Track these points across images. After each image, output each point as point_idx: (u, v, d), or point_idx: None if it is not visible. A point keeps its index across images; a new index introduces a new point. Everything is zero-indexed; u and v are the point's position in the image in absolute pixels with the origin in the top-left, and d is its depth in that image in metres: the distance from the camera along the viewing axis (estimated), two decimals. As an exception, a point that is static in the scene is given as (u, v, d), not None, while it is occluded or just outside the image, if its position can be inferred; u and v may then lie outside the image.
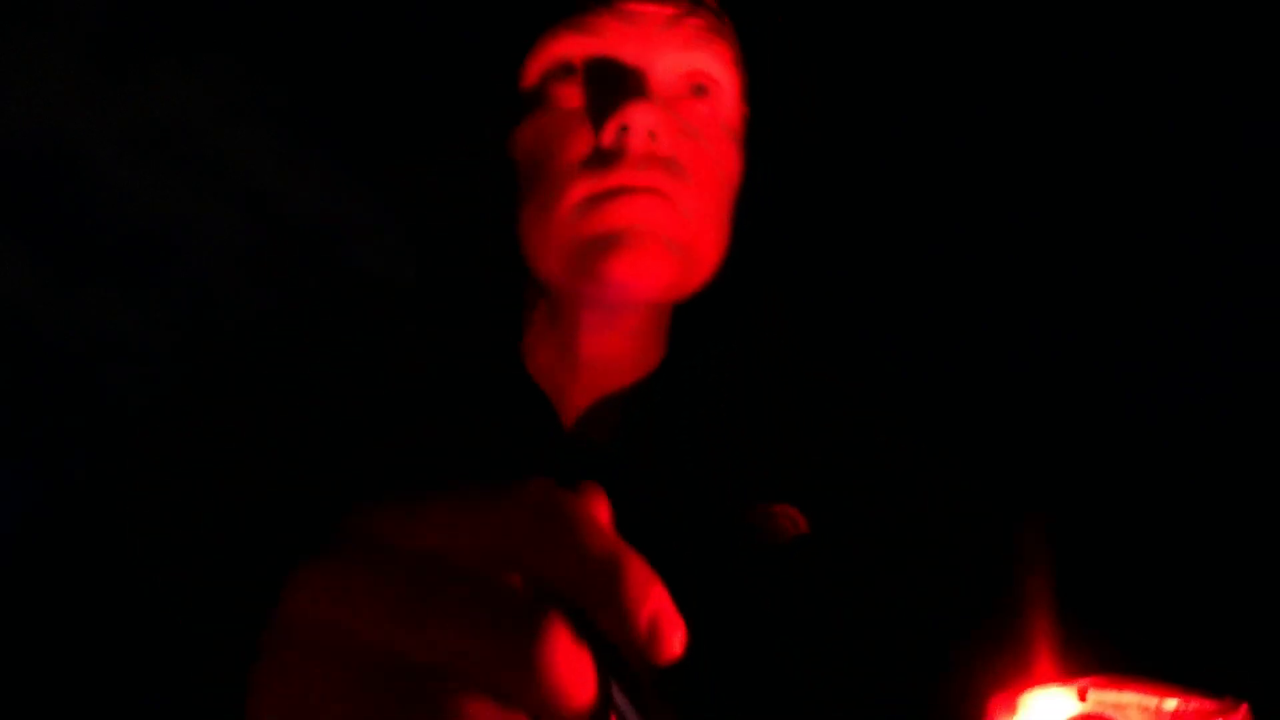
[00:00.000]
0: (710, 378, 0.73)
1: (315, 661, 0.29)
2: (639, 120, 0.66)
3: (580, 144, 0.68)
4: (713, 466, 0.71)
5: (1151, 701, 0.45)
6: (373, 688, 0.28)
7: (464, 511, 0.30)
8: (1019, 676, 0.47)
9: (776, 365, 0.77)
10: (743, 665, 0.62)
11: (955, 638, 0.61)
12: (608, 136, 0.67)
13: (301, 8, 1.02)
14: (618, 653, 0.30)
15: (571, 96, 0.69)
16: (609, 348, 0.72)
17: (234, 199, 1.02)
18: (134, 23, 0.99)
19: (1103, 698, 0.46)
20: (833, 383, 0.78)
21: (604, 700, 0.29)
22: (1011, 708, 0.46)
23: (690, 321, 0.76)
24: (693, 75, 0.71)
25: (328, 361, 0.73)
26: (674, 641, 0.30)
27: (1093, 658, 0.46)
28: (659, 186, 0.68)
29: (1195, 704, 0.45)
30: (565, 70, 0.70)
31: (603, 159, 0.68)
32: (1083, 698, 0.46)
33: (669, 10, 0.69)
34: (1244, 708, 0.44)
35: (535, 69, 0.71)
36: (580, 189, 0.68)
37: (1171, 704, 0.45)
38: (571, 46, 0.70)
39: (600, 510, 0.32)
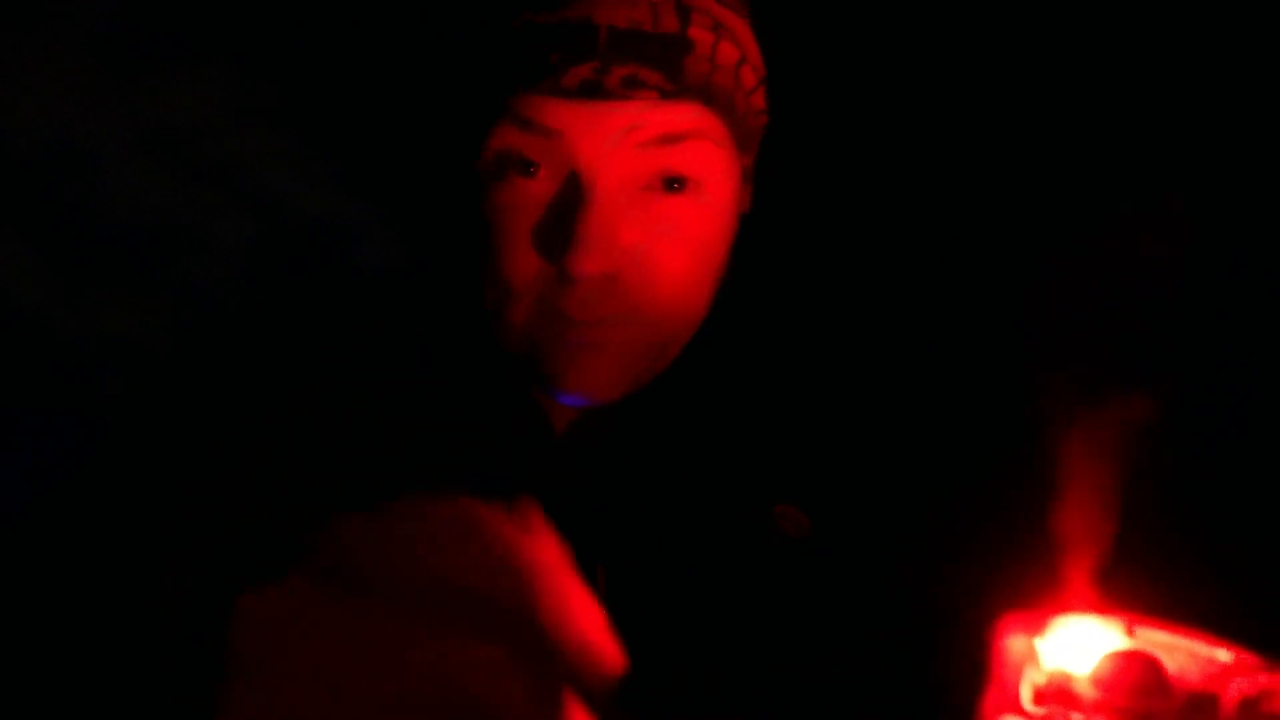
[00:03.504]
0: (702, 383, 0.73)
1: (273, 680, 0.33)
2: (577, 274, 0.62)
3: (525, 253, 0.65)
4: (708, 471, 0.70)
5: (1203, 650, 0.44)
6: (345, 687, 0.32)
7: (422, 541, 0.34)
8: (1042, 599, 0.45)
9: (768, 364, 0.77)
10: (749, 662, 0.63)
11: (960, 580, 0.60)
12: (551, 272, 0.64)
13: (306, 12, 1.02)
14: None
15: (529, 190, 0.64)
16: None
17: (239, 201, 1.03)
18: (139, 26, 0.99)
19: (1152, 637, 0.44)
20: (827, 378, 0.78)
21: None
22: (1036, 628, 0.45)
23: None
24: (667, 173, 0.65)
25: (319, 361, 0.73)
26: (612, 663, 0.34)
27: (1130, 594, 0.45)
28: (609, 315, 0.65)
29: (1247, 660, 0.44)
30: (519, 132, 0.64)
31: (551, 277, 0.64)
32: (1130, 633, 0.44)
33: (643, 103, 0.63)
34: None
35: (498, 123, 0.65)
36: (526, 300, 0.65)
37: (1224, 655, 0.44)
38: (531, 109, 0.63)
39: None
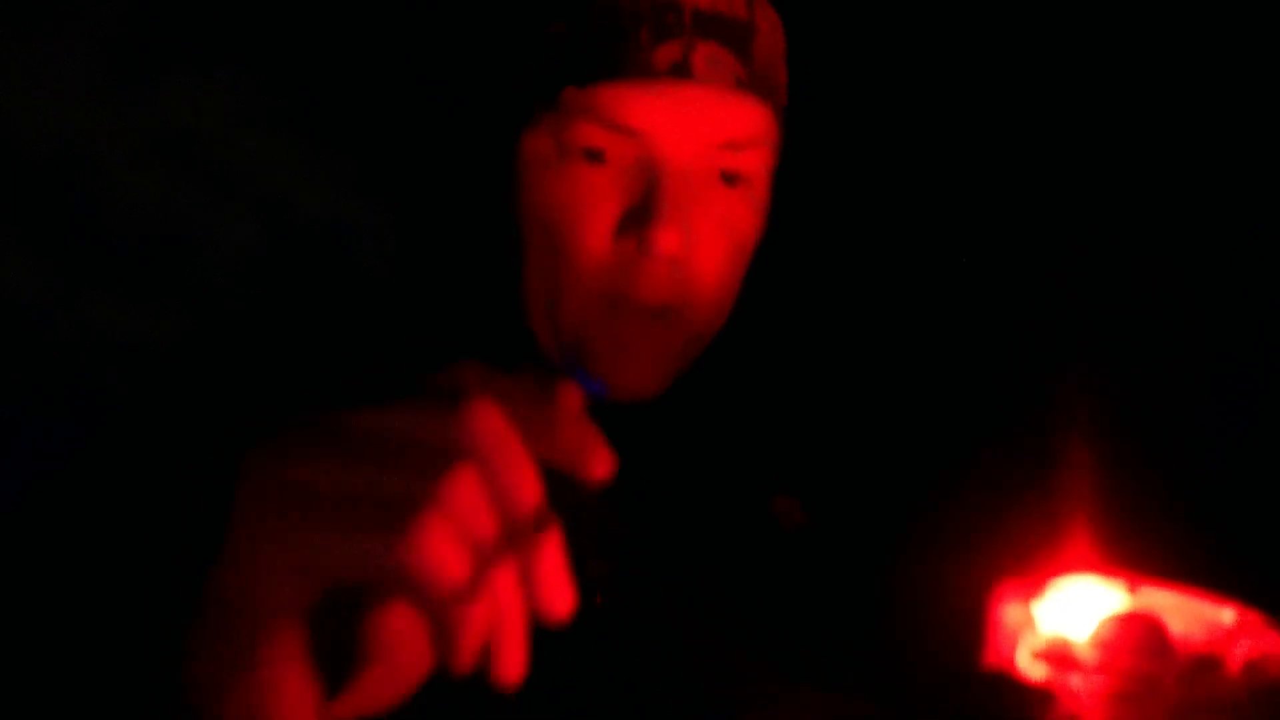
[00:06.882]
0: (700, 375, 0.73)
1: (289, 501, 0.34)
2: (661, 248, 0.64)
3: (598, 234, 0.66)
4: (707, 462, 0.71)
5: (1207, 611, 0.43)
6: (340, 517, 0.34)
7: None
8: (1041, 561, 0.45)
9: (763, 352, 0.77)
10: (744, 643, 0.63)
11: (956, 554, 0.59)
12: (626, 246, 0.65)
13: (314, 17, 1.03)
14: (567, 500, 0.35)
15: (598, 175, 0.66)
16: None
17: (245, 205, 1.03)
18: (147, 30, 1.00)
19: (1154, 597, 0.43)
20: (811, 352, 0.79)
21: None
22: (1035, 590, 0.44)
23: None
24: (728, 169, 0.67)
25: (320, 361, 0.73)
26: (599, 463, 0.36)
27: (1131, 554, 0.44)
28: (671, 303, 0.66)
29: (1252, 621, 0.43)
30: (598, 130, 0.65)
31: (620, 259, 0.66)
32: (1132, 593, 0.43)
33: (716, 90, 0.65)
34: None
35: (567, 117, 0.66)
36: (590, 286, 0.66)
37: (1229, 616, 0.43)
38: (613, 106, 0.64)
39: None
